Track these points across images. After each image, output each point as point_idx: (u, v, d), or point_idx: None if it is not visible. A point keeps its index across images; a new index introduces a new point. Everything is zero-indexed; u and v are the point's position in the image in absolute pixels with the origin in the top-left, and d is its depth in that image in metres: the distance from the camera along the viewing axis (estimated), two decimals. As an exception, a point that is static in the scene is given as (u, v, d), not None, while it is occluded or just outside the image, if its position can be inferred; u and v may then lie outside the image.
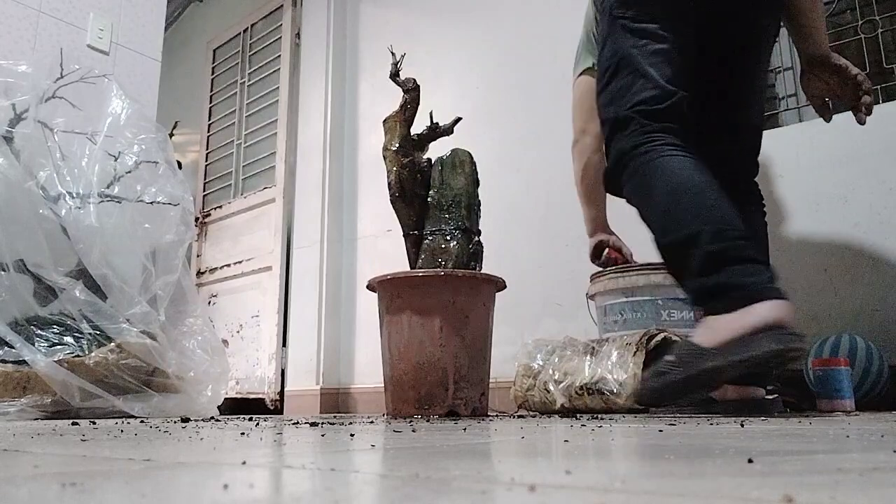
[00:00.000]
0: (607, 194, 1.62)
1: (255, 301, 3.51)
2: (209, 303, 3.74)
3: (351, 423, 1.25)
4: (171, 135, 4.39)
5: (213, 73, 4.22)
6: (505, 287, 1.72)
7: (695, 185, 1.19)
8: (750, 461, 0.44)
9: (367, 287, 1.71)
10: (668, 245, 1.20)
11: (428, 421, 1.33)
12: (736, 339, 1.01)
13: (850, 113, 2.01)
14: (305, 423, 1.29)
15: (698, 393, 1.19)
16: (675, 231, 1.16)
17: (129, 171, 1.94)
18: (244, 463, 0.50)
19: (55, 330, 1.72)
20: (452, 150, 1.78)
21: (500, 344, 1.91)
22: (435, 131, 1.82)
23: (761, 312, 1.02)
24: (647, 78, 1.34)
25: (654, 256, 2.14)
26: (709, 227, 1.11)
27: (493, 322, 1.70)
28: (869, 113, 1.50)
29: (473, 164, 1.79)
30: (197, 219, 3.91)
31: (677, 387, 1.12)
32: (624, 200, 1.39)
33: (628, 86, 1.37)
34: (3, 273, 1.71)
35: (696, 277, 1.12)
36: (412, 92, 1.76)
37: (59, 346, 1.69)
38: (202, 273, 3.85)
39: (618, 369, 1.68)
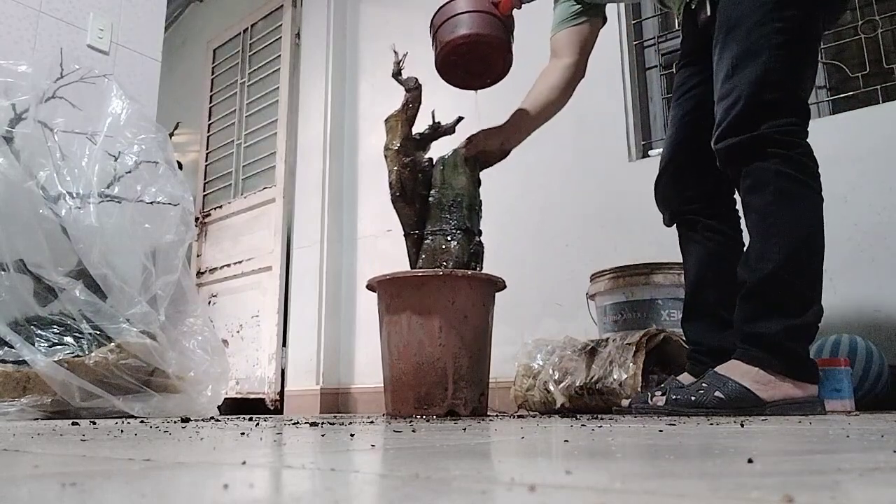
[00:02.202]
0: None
1: (255, 301, 3.51)
2: (209, 303, 3.74)
3: (351, 423, 1.25)
4: (172, 135, 4.39)
5: (213, 73, 4.22)
6: (505, 287, 1.72)
7: (822, 250, 1.35)
8: (750, 461, 0.44)
9: (367, 287, 1.71)
10: (782, 281, 1.29)
11: (428, 421, 1.33)
12: (789, 401, 1.27)
13: (849, 112, 2.01)
14: (305, 423, 1.29)
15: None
16: (799, 280, 1.31)
17: (129, 171, 1.94)
18: (244, 463, 0.50)
19: (55, 330, 1.72)
20: (454, 150, 1.78)
21: (500, 344, 1.91)
22: (436, 131, 1.82)
23: (811, 389, 1.29)
24: (809, 86, 1.38)
25: (654, 257, 2.13)
26: (818, 306, 1.32)
27: (493, 322, 1.70)
28: None
29: (475, 163, 1.78)
30: (197, 219, 3.90)
31: (718, 415, 1.27)
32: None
33: (807, 74, 1.37)
34: (3, 273, 1.71)
35: (780, 330, 1.28)
36: (414, 91, 1.76)
37: (59, 346, 1.69)
38: (202, 273, 3.85)
39: (618, 369, 1.68)
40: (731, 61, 1.36)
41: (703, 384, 1.33)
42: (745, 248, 1.39)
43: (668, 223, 1.64)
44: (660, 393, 1.42)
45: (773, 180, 1.31)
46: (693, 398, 1.32)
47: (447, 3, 1.70)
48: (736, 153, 1.35)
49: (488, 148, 1.77)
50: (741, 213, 1.54)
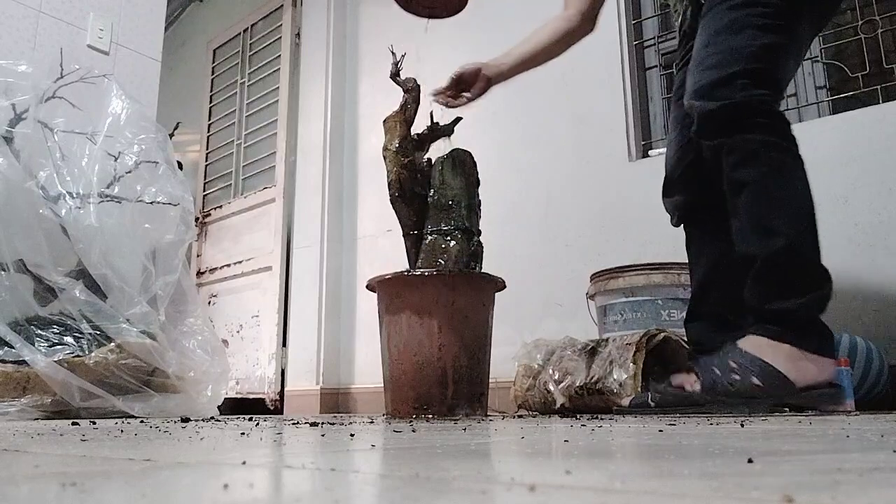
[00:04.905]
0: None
1: (255, 301, 3.51)
2: (209, 303, 3.74)
3: (351, 423, 1.25)
4: (172, 135, 4.40)
5: (213, 73, 4.22)
6: (505, 287, 1.72)
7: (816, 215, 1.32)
8: (750, 461, 0.44)
9: (367, 287, 1.71)
10: (797, 254, 1.27)
11: (428, 421, 1.33)
12: (815, 385, 1.24)
13: (849, 113, 2.00)
14: (305, 423, 1.29)
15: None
16: (811, 251, 1.29)
17: (129, 171, 1.94)
18: (244, 463, 0.50)
19: (55, 330, 1.72)
20: (453, 150, 1.78)
21: (500, 344, 1.91)
22: (435, 131, 1.82)
23: (829, 367, 1.27)
24: (785, 77, 1.38)
25: (654, 257, 2.13)
26: (828, 273, 1.28)
27: (493, 322, 1.70)
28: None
29: (474, 164, 1.78)
30: (197, 219, 3.90)
31: (757, 405, 1.26)
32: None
33: (784, 64, 1.37)
34: (3, 273, 1.71)
35: (801, 306, 1.25)
36: (412, 92, 1.76)
37: (59, 346, 1.69)
38: (202, 273, 3.85)
39: (618, 369, 1.68)
40: (710, 32, 1.38)
41: (734, 363, 1.27)
42: (736, 224, 1.34)
43: (676, 223, 1.62)
44: (660, 385, 1.41)
45: (762, 152, 1.29)
46: (731, 386, 1.27)
47: None
48: (715, 119, 1.33)
49: (483, 82, 1.75)
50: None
